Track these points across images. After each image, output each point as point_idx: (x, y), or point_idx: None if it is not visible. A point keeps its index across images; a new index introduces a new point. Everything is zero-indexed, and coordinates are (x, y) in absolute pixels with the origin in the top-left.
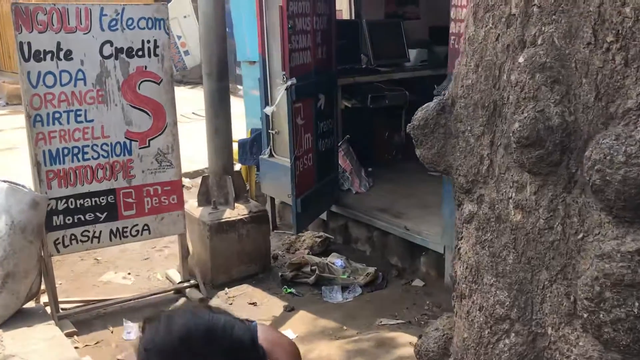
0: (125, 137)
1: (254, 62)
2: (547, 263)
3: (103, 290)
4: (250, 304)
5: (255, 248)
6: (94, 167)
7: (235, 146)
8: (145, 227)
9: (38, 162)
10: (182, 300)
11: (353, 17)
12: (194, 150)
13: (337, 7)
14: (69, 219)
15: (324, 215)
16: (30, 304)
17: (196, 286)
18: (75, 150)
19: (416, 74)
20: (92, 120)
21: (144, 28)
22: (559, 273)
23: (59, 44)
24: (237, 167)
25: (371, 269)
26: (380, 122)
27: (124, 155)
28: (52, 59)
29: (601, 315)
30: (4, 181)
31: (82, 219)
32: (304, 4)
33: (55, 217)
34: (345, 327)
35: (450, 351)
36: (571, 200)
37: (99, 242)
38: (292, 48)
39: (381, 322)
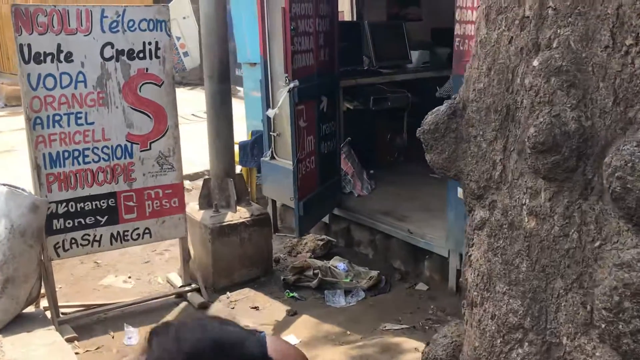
0: (126, 140)
1: (255, 63)
2: (562, 271)
3: (103, 294)
4: (252, 308)
5: (257, 251)
6: (94, 170)
7: (236, 148)
8: (147, 231)
9: (38, 165)
10: (183, 304)
11: (355, 19)
12: (194, 152)
13: (339, 9)
14: (69, 223)
15: (326, 218)
16: (30, 309)
17: (197, 290)
18: (76, 153)
19: (418, 75)
20: (92, 123)
21: (145, 30)
22: (575, 281)
23: (59, 45)
24: (238, 169)
25: (374, 273)
26: (382, 124)
27: (125, 158)
28: (52, 61)
29: (620, 326)
30: (4, 184)
31: (83, 222)
32: (306, 6)
33: (55, 221)
34: (349, 332)
35: (459, 359)
36: (588, 207)
37: (99, 246)
38: (295, 50)
39: (385, 326)
